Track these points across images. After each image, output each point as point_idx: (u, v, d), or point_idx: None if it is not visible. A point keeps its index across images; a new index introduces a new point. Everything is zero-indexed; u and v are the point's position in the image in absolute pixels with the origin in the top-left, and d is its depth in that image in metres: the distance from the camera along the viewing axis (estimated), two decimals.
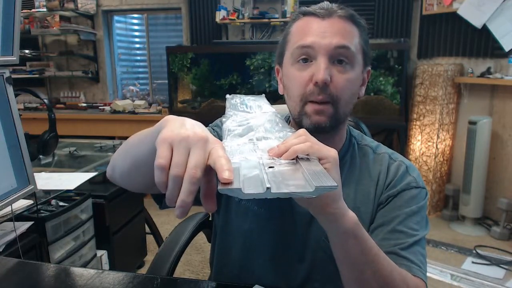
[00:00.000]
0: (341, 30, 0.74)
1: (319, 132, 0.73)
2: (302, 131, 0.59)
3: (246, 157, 0.54)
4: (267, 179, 0.47)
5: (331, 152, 0.57)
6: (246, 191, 0.44)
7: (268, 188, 0.44)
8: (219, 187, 0.45)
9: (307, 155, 0.55)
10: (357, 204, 0.78)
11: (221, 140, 0.66)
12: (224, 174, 0.45)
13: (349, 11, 0.77)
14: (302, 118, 0.76)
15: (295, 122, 0.80)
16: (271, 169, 0.51)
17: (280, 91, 0.84)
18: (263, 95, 0.88)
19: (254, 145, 0.60)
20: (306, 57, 0.75)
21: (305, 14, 0.78)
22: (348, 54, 0.74)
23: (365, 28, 0.79)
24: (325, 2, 0.78)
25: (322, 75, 0.71)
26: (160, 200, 0.75)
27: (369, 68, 0.82)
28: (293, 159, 0.54)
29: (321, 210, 0.58)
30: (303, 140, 0.56)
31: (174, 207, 0.49)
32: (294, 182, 0.47)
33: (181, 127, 0.50)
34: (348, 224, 0.60)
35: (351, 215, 0.61)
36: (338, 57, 0.73)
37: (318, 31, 0.74)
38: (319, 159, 0.55)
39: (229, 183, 0.45)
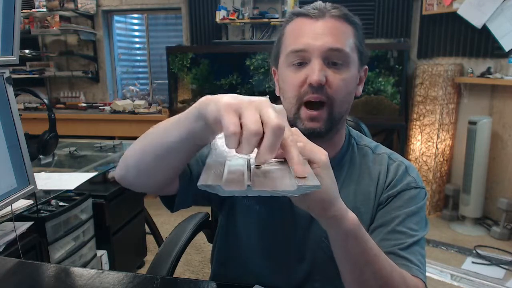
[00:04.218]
0: (334, 31, 0.73)
1: (314, 137, 0.73)
2: (294, 130, 0.58)
3: (236, 155, 0.54)
4: (249, 176, 0.47)
5: (322, 156, 0.55)
6: (226, 188, 0.44)
7: (248, 186, 0.44)
8: (198, 183, 0.45)
9: None
10: (357, 204, 0.78)
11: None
12: (299, 168, 0.47)
13: (343, 10, 0.76)
14: (296, 121, 0.75)
15: (290, 123, 0.80)
16: (257, 167, 0.51)
17: (277, 93, 0.84)
18: (267, 97, 0.87)
19: None
20: (301, 61, 0.74)
21: (298, 15, 0.77)
22: (341, 56, 0.73)
23: (360, 26, 0.78)
24: (319, 1, 0.78)
25: (316, 76, 0.71)
26: (171, 203, 0.75)
27: (366, 66, 0.82)
28: (282, 158, 0.54)
29: (321, 214, 0.58)
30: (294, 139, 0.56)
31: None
32: (277, 180, 0.47)
33: (237, 97, 0.49)
34: (348, 226, 0.60)
35: (351, 216, 0.61)
36: (332, 58, 0.73)
37: (311, 33, 0.73)
38: (310, 162, 0.55)
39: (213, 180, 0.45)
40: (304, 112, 0.74)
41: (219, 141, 0.60)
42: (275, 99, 0.85)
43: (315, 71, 0.72)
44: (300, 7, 0.79)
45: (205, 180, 0.46)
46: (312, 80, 0.71)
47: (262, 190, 0.45)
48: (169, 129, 0.60)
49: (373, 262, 0.63)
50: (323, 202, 0.56)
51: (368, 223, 0.78)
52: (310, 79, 0.72)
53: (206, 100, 0.52)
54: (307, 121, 0.74)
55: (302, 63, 0.74)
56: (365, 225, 0.77)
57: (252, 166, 0.51)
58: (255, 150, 0.56)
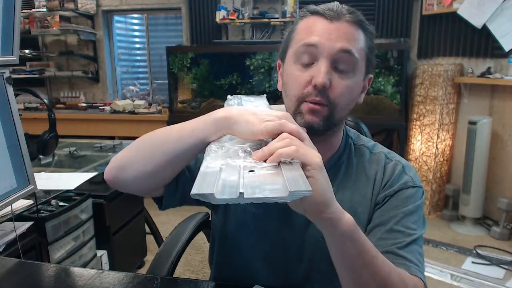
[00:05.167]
0: (347, 35, 0.73)
1: (311, 133, 0.73)
2: (285, 134, 0.58)
3: (231, 159, 0.54)
4: (242, 184, 0.47)
5: (316, 158, 0.55)
6: (219, 196, 0.44)
7: (241, 193, 0.45)
8: (191, 192, 0.45)
9: (292, 158, 0.54)
10: (354, 205, 0.78)
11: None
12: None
13: (358, 16, 0.75)
14: (296, 117, 0.74)
15: None
16: (251, 173, 0.51)
17: (279, 87, 0.83)
18: (264, 95, 0.87)
19: (242, 147, 0.59)
20: (309, 59, 0.73)
21: (313, 13, 0.76)
22: (350, 59, 0.73)
23: (372, 34, 0.77)
24: (335, 2, 0.77)
25: (321, 79, 0.70)
26: (161, 201, 0.77)
27: (371, 75, 0.81)
28: (275, 163, 0.53)
29: (316, 216, 0.58)
30: (287, 143, 0.55)
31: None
32: (270, 186, 0.47)
33: (259, 117, 0.62)
34: (344, 227, 0.59)
35: (347, 218, 0.60)
36: (340, 61, 0.72)
37: (324, 32, 0.72)
38: (304, 165, 0.54)
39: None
40: (305, 105, 0.73)
41: (214, 146, 0.60)
42: (276, 96, 0.85)
43: (320, 73, 0.71)
44: (305, 6, 0.78)
45: (198, 188, 0.46)
46: (317, 81, 0.71)
47: (255, 198, 0.45)
48: (185, 137, 0.66)
49: (370, 264, 0.62)
50: (318, 205, 0.56)
51: (365, 223, 0.78)
52: (315, 80, 0.71)
53: (228, 118, 0.62)
54: (307, 114, 0.73)
55: (309, 64, 0.73)
56: (363, 225, 0.77)
57: (245, 172, 0.51)
58: (249, 156, 0.57)
